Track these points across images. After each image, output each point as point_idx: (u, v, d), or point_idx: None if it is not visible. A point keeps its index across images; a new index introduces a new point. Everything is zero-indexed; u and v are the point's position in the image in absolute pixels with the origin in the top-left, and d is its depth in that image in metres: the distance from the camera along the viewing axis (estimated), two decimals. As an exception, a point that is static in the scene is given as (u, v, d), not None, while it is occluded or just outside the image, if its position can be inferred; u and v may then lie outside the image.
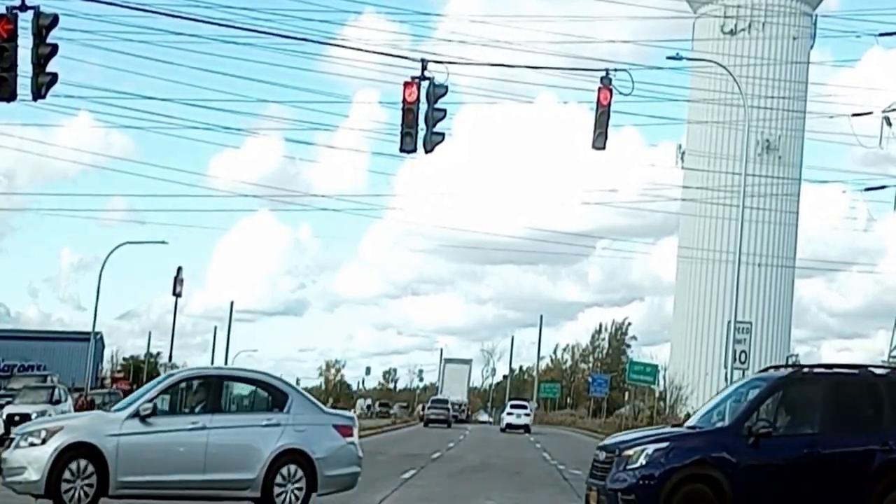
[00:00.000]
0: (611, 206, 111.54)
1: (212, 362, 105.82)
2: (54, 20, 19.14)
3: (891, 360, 65.76)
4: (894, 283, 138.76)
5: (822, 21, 73.43)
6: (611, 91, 23.76)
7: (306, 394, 16.76)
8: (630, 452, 13.77)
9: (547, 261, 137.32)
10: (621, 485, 13.62)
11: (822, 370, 15.23)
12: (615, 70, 24.17)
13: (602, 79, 23.78)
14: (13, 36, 18.59)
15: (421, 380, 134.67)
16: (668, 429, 16.62)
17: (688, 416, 16.09)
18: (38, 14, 19.02)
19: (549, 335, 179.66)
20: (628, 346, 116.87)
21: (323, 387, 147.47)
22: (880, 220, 69.24)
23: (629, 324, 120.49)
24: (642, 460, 13.59)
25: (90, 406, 49.66)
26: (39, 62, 19.22)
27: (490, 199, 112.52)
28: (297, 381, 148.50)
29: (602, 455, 14.30)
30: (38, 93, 19.36)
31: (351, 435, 16.01)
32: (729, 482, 13.44)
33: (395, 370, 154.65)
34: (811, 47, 75.86)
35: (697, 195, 65.86)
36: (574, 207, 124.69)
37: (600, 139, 24.17)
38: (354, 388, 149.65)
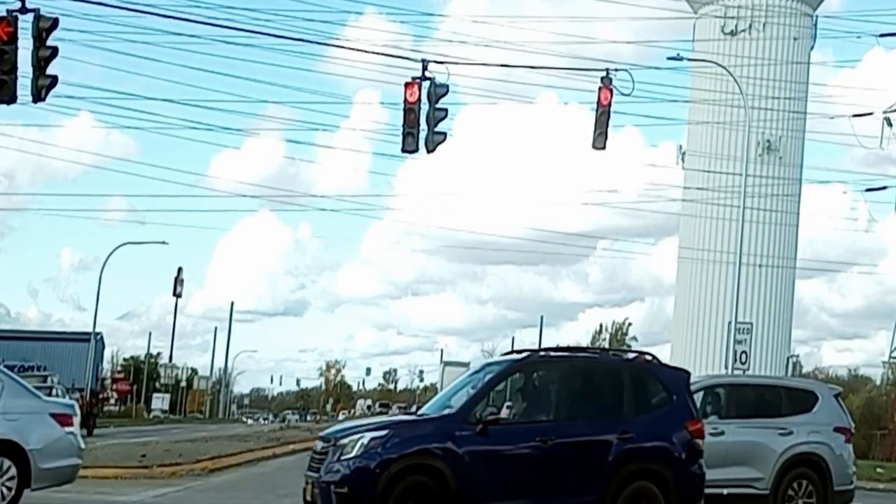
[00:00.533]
0: (611, 207, 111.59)
1: (212, 363, 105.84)
2: (54, 23, 19.13)
3: (891, 360, 65.71)
4: (895, 284, 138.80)
5: (823, 22, 73.33)
6: (611, 91, 23.79)
7: (20, 379, 15.56)
8: (345, 441, 12.71)
9: (547, 261, 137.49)
10: (334, 476, 12.55)
11: (561, 354, 14.39)
12: (615, 70, 24.21)
13: (602, 79, 23.81)
14: (13, 39, 18.60)
15: (421, 380, 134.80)
16: (392, 417, 15.67)
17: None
18: (38, 17, 19.03)
19: (549, 335, 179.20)
20: (629, 346, 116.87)
21: (323, 387, 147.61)
22: (881, 221, 69.25)
23: (630, 324, 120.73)
24: (357, 450, 12.54)
25: (91, 406, 49.69)
26: (40, 65, 19.23)
27: (490, 199, 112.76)
28: (298, 381, 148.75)
29: (319, 445, 13.23)
30: (39, 95, 19.36)
31: (71, 424, 14.95)
32: (453, 473, 12.47)
33: (395, 371, 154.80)
34: (812, 48, 75.76)
35: (698, 196, 65.82)
36: (574, 208, 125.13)
37: (600, 139, 24.19)
38: (355, 388, 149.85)
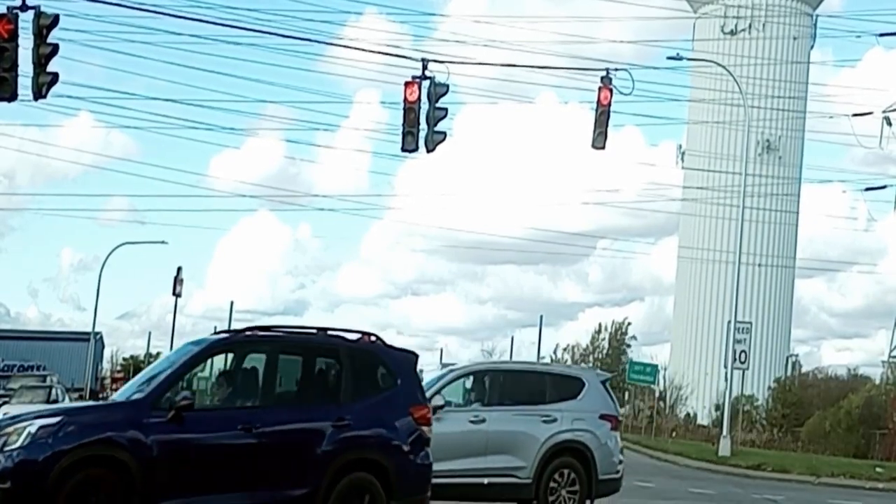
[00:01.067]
0: (611, 206, 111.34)
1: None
2: (55, 20, 19.16)
3: (891, 359, 65.76)
4: (895, 284, 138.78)
5: (823, 21, 73.49)
6: (611, 91, 23.81)
7: None
8: (10, 430, 11.13)
9: (547, 261, 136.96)
10: None
11: (271, 333, 12.80)
12: (615, 70, 24.23)
13: (602, 78, 23.83)
14: (14, 36, 18.62)
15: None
16: (72, 403, 13.29)
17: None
18: (38, 14, 19.05)
19: (549, 335, 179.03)
20: (628, 346, 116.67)
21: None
22: (881, 220, 69.28)
23: (629, 324, 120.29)
24: (24, 440, 10.96)
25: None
26: (40, 62, 19.25)
27: (490, 199, 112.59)
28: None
29: None
30: (39, 93, 19.38)
31: None
32: (139, 465, 11.07)
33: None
34: (811, 47, 75.90)
35: (698, 195, 65.89)
36: (574, 207, 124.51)
37: (600, 139, 24.21)
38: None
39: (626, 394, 74.76)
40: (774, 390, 60.47)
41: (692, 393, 65.53)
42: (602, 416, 16.47)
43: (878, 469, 32.25)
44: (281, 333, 12.79)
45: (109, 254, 57.99)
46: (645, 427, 58.83)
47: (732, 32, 73.90)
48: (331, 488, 11.95)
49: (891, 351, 69.20)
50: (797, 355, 79.53)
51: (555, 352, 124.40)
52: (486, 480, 15.50)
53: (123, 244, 58.94)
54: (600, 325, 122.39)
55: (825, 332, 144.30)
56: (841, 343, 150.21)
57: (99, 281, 57.30)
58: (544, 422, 16.04)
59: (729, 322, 38.89)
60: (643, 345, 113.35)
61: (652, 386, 61.87)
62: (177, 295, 59.28)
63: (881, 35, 38.20)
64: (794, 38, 74.04)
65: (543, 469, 15.83)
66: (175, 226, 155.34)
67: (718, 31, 73.41)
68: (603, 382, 17.11)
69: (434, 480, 14.37)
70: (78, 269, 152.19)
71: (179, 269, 59.11)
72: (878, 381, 57.11)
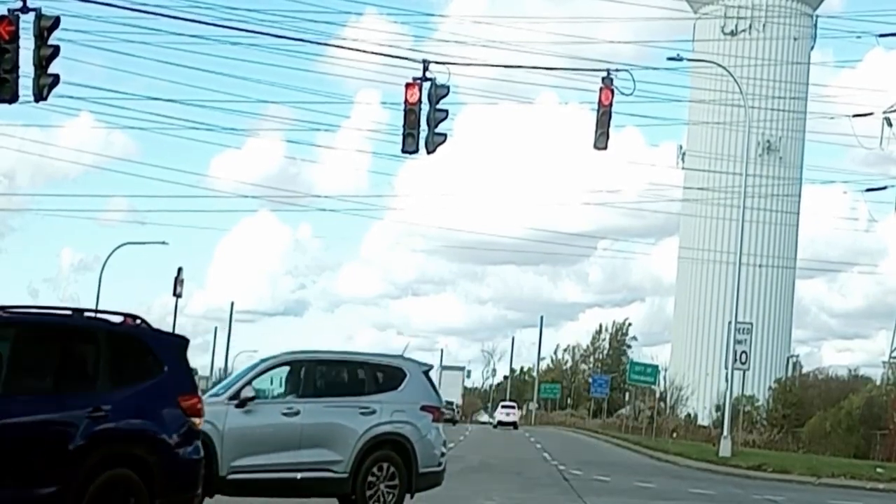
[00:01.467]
0: (612, 207, 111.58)
1: (212, 363, 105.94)
2: (56, 22, 19.18)
3: (891, 360, 65.79)
4: (895, 284, 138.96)
5: (823, 22, 73.61)
6: (612, 91, 23.83)
7: None
8: None
9: (548, 261, 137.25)
10: None
11: (18, 314, 11.41)
12: (616, 70, 24.25)
13: (603, 79, 23.85)
14: (15, 37, 18.63)
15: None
16: None
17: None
18: (39, 16, 19.07)
19: (549, 336, 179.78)
20: (629, 346, 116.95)
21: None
22: (881, 221, 69.26)
23: (630, 324, 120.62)
24: None
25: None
26: (41, 63, 19.27)
27: (491, 199, 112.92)
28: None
29: None
30: (40, 94, 19.40)
31: None
32: None
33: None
34: (812, 48, 76.00)
35: (698, 196, 65.94)
36: (575, 208, 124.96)
37: (602, 139, 24.23)
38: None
39: (627, 394, 74.82)
40: (775, 391, 60.52)
41: (693, 393, 65.58)
42: (423, 408, 16.02)
43: (878, 469, 32.26)
44: (29, 314, 11.48)
45: (110, 254, 57.89)
46: (645, 427, 58.89)
47: (733, 33, 74.00)
48: (85, 486, 10.77)
49: (891, 351, 69.22)
50: (798, 356, 79.64)
51: (555, 352, 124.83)
52: (299, 475, 15.04)
53: (124, 244, 58.85)
54: (601, 325, 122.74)
55: (826, 333, 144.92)
56: (841, 343, 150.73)
57: (99, 281, 57.18)
58: (362, 413, 15.55)
59: (729, 323, 38.91)
60: (644, 345, 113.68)
61: (652, 386, 61.95)
62: (177, 295, 59.27)
63: (881, 36, 38.22)
64: (795, 39, 74.12)
65: (361, 463, 15.35)
66: (175, 226, 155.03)
67: (719, 32, 73.50)
68: (425, 373, 16.61)
69: (244, 476, 14.30)
70: (78, 269, 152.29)
71: (180, 269, 59.09)
72: (878, 382, 57.19)
